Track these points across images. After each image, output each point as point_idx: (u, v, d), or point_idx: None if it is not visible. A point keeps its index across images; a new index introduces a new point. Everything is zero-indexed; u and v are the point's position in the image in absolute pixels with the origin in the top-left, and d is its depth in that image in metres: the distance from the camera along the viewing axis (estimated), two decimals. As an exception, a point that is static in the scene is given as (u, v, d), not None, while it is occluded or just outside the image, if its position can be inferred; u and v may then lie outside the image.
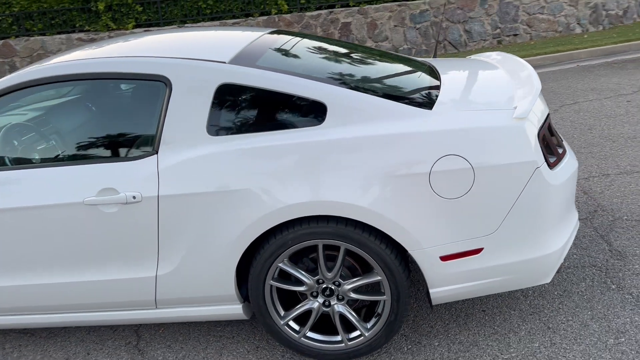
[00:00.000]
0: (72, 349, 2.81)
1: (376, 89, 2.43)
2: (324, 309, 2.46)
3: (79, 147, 2.49)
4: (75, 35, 10.30)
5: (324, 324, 2.56)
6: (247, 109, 2.39)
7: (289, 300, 2.55)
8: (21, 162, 2.56)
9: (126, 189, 2.37)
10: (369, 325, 2.45)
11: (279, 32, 3.09)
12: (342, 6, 10.61)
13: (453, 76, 2.76)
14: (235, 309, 2.55)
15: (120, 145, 2.47)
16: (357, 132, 2.27)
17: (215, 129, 2.38)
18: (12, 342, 2.93)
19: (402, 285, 2.33)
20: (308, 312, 2.49)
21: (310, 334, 2.51)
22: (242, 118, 2.39)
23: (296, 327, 2.51)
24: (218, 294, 2.48)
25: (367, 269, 2.43)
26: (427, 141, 2.23)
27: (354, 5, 10.56)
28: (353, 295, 2.41)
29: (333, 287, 2.42)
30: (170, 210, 2.37)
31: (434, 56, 3.74)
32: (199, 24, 10.22)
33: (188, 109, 2.38)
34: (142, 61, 2.46)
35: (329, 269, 2.38)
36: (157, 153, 2.40)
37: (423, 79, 2.67)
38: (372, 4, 10.56)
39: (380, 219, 2.22)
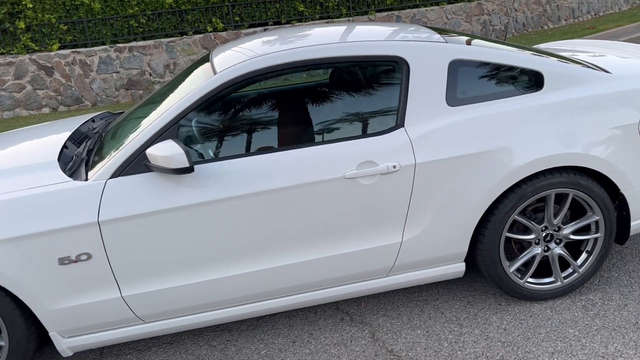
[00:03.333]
0: (291, 334, 2.83)
1: (569, 61, 2.87)
2: (544, 253, 2.81)
3: (330, 127, 2.59)
4: (-10, 59, 9.39)
5: (528, 267, 2.89)
6: (477, 81, 2.69)
7: (507, 251, 2.86)
8: (279, 146, 2.59)
9: (384, 160, 2.54)
10: (579, 262, 2.85)
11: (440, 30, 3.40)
12: (274, 23, 10.91)
13: (593, 54, 3.31)
14: (457, 267, 2.80)
15: (367, 121, 2.62)
16: (573, 95, 2.69)
17: (453, 100, 2.64)
18: (218, 338, 2.85)
19: (613, 222, 2.77)
20: (529, 259, 2.81)
21: (528, 279, 2.84)
22: (473, 89, 2.68)
23: (518, 274, 2.83)
24: (451, 252, 2.72)
25: (578, 213, 2.83)
26: (628, 97, 2.71)
27: (286, 23, 10.93)
28: (572, 237, 2.79)
29: (553, 233, 2.79)
30: (423, 177, 2.57)
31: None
32: (132, 43, 9.88)
33: (427, 85, 2.62)
34: (380, 44, 2.64)
35: (554, 216, 2.74)
36: (403, 126, 2.60)
37: (582, 56, 3.18)
38: (303, 22, 11.01)
39: (607, 165, 2.65)
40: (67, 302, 2.47)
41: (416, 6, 12.05)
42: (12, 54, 9.51)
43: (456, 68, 2.67)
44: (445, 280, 3.02)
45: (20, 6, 9.37)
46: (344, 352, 2.64)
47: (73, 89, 9.70)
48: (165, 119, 2.50)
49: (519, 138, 2.61)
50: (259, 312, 2.67)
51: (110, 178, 2.44)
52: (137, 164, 2.46)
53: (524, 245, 2.84)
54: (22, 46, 9.50)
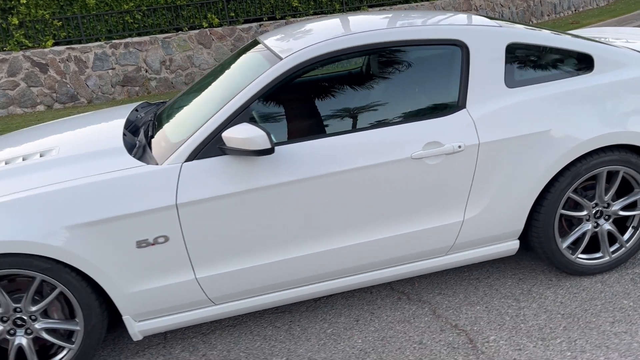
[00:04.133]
0: (353, 314, 2.89)
1: (613, 45, 3.00)
2: (594, 230, 2.93)
3: (395, 110, 2.66)
4: (-17, 56, 9.21)
5: (578, 244, 3.01)
6: (532, 63, 2.79)
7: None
8: (345, 128, 2.64)
9: (450, 141, 2.62)
10: (625, 238, 2.98)
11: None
12: (269, 19, 10.93)
13: (626, 39, 3.45)
14: (512, 245, 2.90)
15: (430, 103, 2.69)
16: (622, 76, 2.82)
17: (511, 81, 2.74)
18: (280, 320, 2.90)
19: (659, 198, 2.91)
20: (579, 235, 2.93)
21: (580, 255, 2.96)
22: (528, 71, 2.78)
23: (569, 250, 2.94)
24: (508, 230, 2.82)
25: (625, 190, 2.95)
26: None
27: (280, 18, 10.96)
28: (621, 213, 2.91)
29: (603, 209, 2.91)
30: (486, 156, 2.66)
31: None
32: (127, 39, 9.80)
33: (486, 67, 2.71)
34: (440, 29, 2.72)
35: (605, 193, 2.86)
36: (465, 107, 2.68)
37: (617, 42, 3.32)
38: (297, 17, 11.05)
39: (656, 141, 2.78)
40: (142, 285, 2.49)
41: (407, 1, 12.18)
42: (5, 50, 9.35)
43: (512, 51, 2.76)
44: (495, 259, 3.13)
45: (13, 2, 9.21)
46: (409, 328, 2.72)
47: (68, 86, 9.58)
48: (236, 103, 2.53)
49: (574, 118, 2.72)
50: (323, 292, 2.73)
51: (185, 162, 2.48)
52: (210, 147, 2.49)
53: (573, 222, 2.95)
54: (15, 43, 9.35)
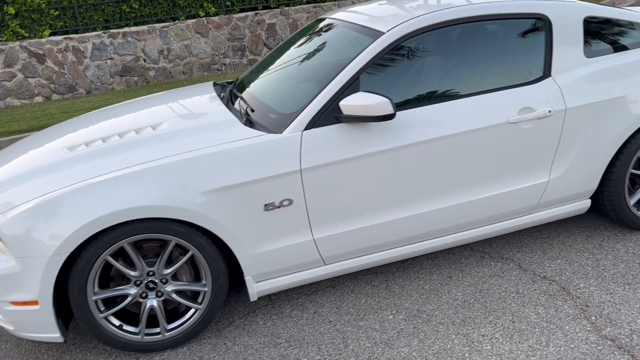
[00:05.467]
0: (443, 272, 3.11)
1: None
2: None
3: (489, 78, 2.87)
4: (-22, 46, 9.02)
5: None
6: (605, 35, 3.05)
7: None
8: (444, 96, 2.84)
9: (540, 106, 2.85)
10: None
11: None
12: (264, 8, 11.02)
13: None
14: (584, 204, 3.17)
15: (519, 72, 2.92)
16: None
17: (588, 52, 3.00)
18: (376, 279, 3.09)
19: None
20: None
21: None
22: (603, 42, 3.04)
23: (635, 207, 3.22)
24: (584, 190, 3.08)
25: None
26: None
27: (275, 7, 11.05)
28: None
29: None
30: (570, 120, 2.91)
31: None
32: (125, 29, 9.74)
33: (568, 39, 2.96)
34: (525, 3, 2.95)
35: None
36: (550, 75, 2.92)
37: None
38: (291, 6, 11.17)
39: None
40: (265, 247, 2.65)
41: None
42: (1, 41, 9.17)
43: (589, 24, 3.02)
44: (561, 219, 3.39)
45: (8, -9, 9.05)
46: (502, 281, 2.96)
47: (66, 76, 9.48)
48: (347, 75, 2.70)
49: (646, 84, 3.00)
50: (420, 251, 2.93)
51: (304, 130, 2.63)
52: (325, 117, 2.66)
53: (636, 182, 3.24)
54: (11, 33, 9.19)
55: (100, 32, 9.59)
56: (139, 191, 2.44)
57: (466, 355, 2.45)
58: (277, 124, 2.71)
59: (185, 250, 2.61)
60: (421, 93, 2.83)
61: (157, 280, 2.60)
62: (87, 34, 9.52)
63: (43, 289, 2.42)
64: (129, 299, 2.58)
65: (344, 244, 2.76)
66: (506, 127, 2.82)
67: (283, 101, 2.87)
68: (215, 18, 10.43)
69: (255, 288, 2.75)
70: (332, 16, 3.47)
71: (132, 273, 2.55)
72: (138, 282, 2.58)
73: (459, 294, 2.89)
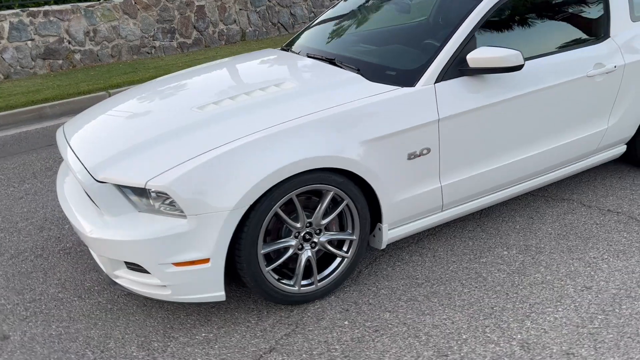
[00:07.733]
0: (523, 214, 3.46)
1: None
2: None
3: (568, 38, 3.25)
4: None
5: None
6: (643, 3, 3.58)
7: None
8: (539, 52, 3.15)
9: (608, 62, 3.30)
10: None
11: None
12: (192, -11, 10.69)
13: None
14: (622, 149, 3.71)
15: (586, 33, 3.33)
16: None
17: (633, 17, 3.50)
18: (468, 226, 3.37)
19: None
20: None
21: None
22: (642, 9, 3.57)
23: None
24: (625, 136, 3.61)
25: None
26: None
27: (202, -11, 10.78)
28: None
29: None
30: (627, 74, 3.40)
31: None
32: (46, 7, 8.97)
33: (619, 5, 3.44)
34: (589, -27, 3.37)
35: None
36: (609, 36, 3.38)
37: None
38: (218, -12, 10.96)
39: None
40: (403, 195, 2.81)
41: (314, -24, 12.66)
42: None
43: (631, -7, 3.53)
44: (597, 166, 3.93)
45: None
46: (577, 216, 3.38)
47: (-19, 59, 8.54)
48: (465, 31, 2.92)
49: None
50: (516, 193, 3.26)
51: (435, 83, 2.83)
52: (451, 70, 2.87)
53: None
54: None
55: (17, 11, 8.75)
56: (310, 143, 2.48)
57: (591, 273, 2.82)
58: (406, 79, 2.86)
59: (335, 201, 2.69)
60: (523, 49, 3.14)
61: (312, 232, 2.65)
62: (3, 12, 8.63)
63: (218, 245, 2.38)
64: (290, 251, 2.61)
65: (463, 189, 3.00)
66: (585, 80, 3.23)
67: (399, 59, 3.02)
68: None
69: (388, 235, 2.89)
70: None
71: (297, 225, 2.58)
72: (296, 235, 2.62)
73: (550, 229, 3.26)
